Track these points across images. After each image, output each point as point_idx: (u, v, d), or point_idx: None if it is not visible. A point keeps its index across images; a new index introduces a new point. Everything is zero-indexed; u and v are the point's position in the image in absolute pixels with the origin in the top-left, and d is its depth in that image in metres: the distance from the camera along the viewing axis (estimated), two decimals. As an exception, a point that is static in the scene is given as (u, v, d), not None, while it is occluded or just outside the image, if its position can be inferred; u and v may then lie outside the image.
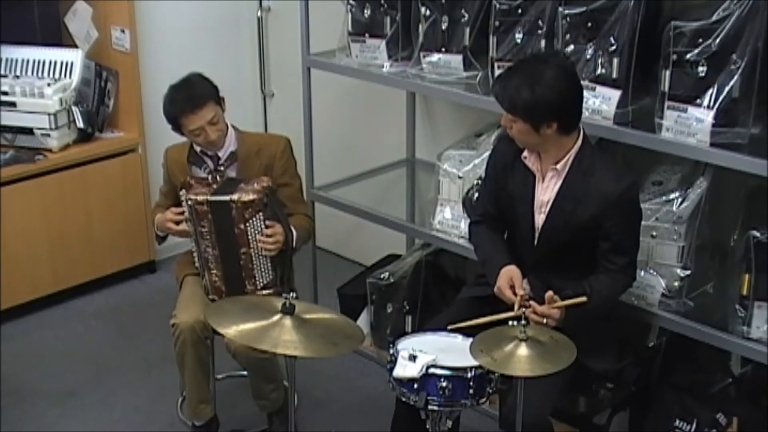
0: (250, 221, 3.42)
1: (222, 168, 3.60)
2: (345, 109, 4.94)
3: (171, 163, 3.70)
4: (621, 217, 3.08)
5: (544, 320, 2.99)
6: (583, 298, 2.99)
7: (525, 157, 3.18)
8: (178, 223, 3.55)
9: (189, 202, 3.44)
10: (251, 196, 3.40)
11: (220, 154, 3.61)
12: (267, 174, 3.58)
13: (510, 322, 2.86)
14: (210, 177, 3.58)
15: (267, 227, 3.44)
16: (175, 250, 4.75)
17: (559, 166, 3.11)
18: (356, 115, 4.94)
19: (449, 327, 3.09)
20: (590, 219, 3.08)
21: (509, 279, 3.14)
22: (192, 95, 3.49)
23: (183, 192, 3.48)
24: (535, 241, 3.20)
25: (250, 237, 3.44)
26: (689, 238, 3.31)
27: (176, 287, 3.75)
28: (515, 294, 3.08)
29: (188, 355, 3.50)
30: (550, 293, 3.02)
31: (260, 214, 3.43)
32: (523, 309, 2.96)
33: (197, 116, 3.47)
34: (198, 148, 3.62)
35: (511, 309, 3.02)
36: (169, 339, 3.55)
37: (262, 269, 3.50)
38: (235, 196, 3.39)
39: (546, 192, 3.16)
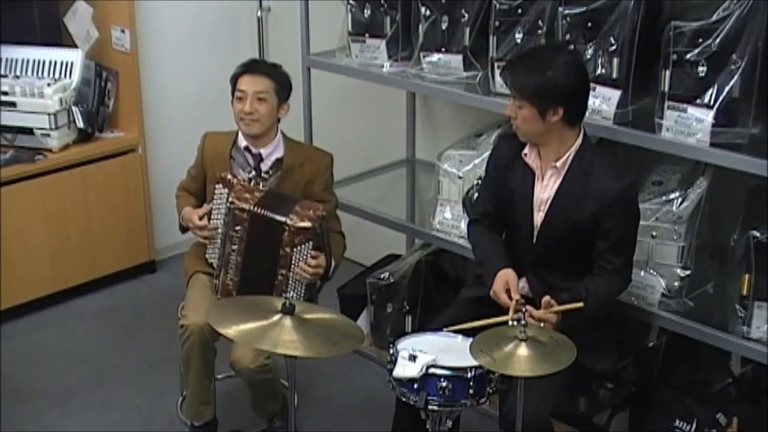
0: (298, 247, 3.41)
1: (266, 175, 3.59)
2: (345, 109, 4.93)
3: (208, 148, 3.67)
4: (619, 216, 3.08)
5: (541, 324, 3.00)
6: (579, 304, 3.00)
7: (525, 154, 3.18)
8: (202, 228, 3.54)
9: (231, 206, 3.41)
10: (307, 224, 3.37)
11: (263, 154, 3.59)
12: (307, 187, 3.59)
13: (510, 322, 2.87)
14: (252, 182, 3.55)
15: (312, 257, 3.42)
16: (176, 250, 4.76)
17: (558, 164, 3.11)
18: (356, 115, 4.93)
19: (445, 329, 3.09)
20: (589, 218, 3.08)
21: (505, 283, 3.15)
22: (258, 63, 3.68)
23: (225, 191, 3.45)
24: (534, 240, 3.20)
25: (293, 261, 3.42)
26: (689, 238, 3.31)
27: (184, 280, 3.72)
28: (511, 298, 3.09)
29: (195, 356, 3.48)
30: (547, 298, 3.03)
31: (310, 242, 3.41)
32: (520, 313, 2.96)
33: (250, 80, 3.54)
34: (243, 143, 3.60)
35: (508, 312, 3.02)
36: (169, 339, 3.55)
37: (295, 293, 3.47)
38: (290, 221, 3.37)
39: (545, 190, 3.16)
